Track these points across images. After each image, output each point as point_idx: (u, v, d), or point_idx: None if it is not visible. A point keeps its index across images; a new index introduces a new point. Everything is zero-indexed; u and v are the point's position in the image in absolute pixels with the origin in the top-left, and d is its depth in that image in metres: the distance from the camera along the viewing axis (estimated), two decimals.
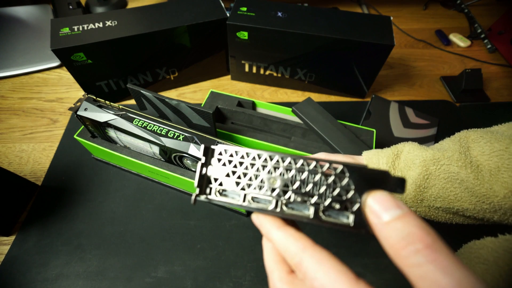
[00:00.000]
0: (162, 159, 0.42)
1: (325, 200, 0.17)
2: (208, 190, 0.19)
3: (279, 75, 0.62)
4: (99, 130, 0.43)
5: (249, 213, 0.45)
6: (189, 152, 0.37)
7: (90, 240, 0.42)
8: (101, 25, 0.50)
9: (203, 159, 0.19)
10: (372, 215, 0.14)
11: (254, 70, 0.62)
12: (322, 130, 0.44)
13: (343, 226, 0.16)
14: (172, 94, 0.63)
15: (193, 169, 0.41)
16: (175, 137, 0.38)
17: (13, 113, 0.57)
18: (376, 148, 0.46)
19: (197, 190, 0.19)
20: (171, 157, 0.41)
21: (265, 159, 0.19)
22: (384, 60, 0.53)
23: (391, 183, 0.16)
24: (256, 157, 0.19)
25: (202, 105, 0.47)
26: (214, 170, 0.19)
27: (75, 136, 0.44)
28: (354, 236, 0.43)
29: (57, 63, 0.65)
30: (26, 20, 0.71)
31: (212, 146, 0.20)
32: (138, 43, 0.51)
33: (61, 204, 0.45)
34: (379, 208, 0.14)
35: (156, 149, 0.40)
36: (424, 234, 0.13)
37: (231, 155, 0.19)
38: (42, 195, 0.46)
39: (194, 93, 0.63)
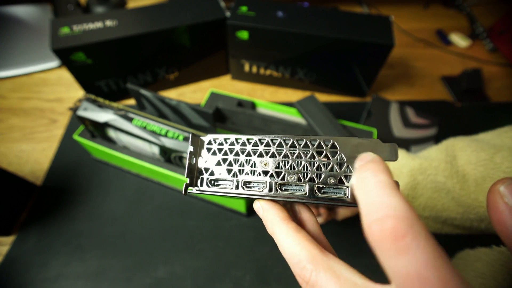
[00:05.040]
0: (162, 159, 0.42)
1: (319, 177, 0.17)
2: (199, 182, 0.19)
3: (280, 74, 0.62)
4: (98, 130, 0.43)
5: (249, 213, 0.45)
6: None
7: (90, 240, 0.42)
8: (101, 25, 0.50)
9: (191, 148, 0.19)
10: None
11: (254, 70, 0.62)
12: (320, 128, 0.44)
13: (339, 201, 0.16)
14: (172, 93, 0.63)
15: None
16: (174, 137, 0.38)
17: (13, 113, 0.57)
18: None
19: (188, 180, 0.18)
20: (170, 157, 0.41)
21: (255, 143, 0.18)
22: (385, 60, 0.53)
23: (385, 152, 0.16)
24: (246, 142, 0.18)
25: (202, 105, 0.47)
26: (205, 161, 0.19)
27: (74, 136, 0.44)
28: (355, 236, 0.43)
29: (57, 63, 0.64)
30: (26, 20, 0.70)
31: (201, 137, 0.19)
32: (138, 43, 0.51)
33: (61, 204, 0.45)
34: None
35: (155, 149, 0.40)
36: None
37: (221, 143, 0.19)
38: (42, 195, 0.46)
39: (194, 93, 0.63)
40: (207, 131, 0.44)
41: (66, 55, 0.48)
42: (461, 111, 0.62)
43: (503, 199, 0.13)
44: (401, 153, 0.34)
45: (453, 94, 0.64)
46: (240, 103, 0.50)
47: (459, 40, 0.76)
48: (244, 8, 0.55)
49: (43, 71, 0.65)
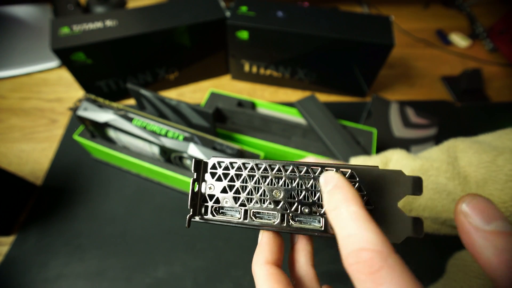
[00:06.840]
0: (162, 159, 0.42)
1: None
2: (203, 210, 0.18)
3: (280, 74, 0.62)
4: (98, 130, 0.43)
5: None
6: (189, 152, 0.37)
7: (90, 240, 0.42)
8: (101, 25, 0.50)
9: (194, 175, 0.17)
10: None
11: (254, 69, 0.62)
12: (320, 128, 0.44)
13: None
14: (172, 93, 0.63)
15: None
16: (174, 137, 0.38)
17: (13, 113, 0.57)
18: (376, 148, 0.46)
19: (191, 211, 0.17)
20: (170, 157, 0.41)
21: (265, 169, 0.17)
22: (385, 60, 0.53)
23: (407, 185, 0.15)
24: (255, 168, 0.17)
25: (202, 105, 0.47)
26: (209, 187, 0.18)
27: (74, 136, 0.44)
28: None
29: (57, 63, 0.64)
30: (26, 19, 0.70)
31: (205, 160, 0.18)
32: (138, 43, 0.51)
33: (61, 204, 0.45)
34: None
35: (155, 149, 0.40)
36: None
37: (227, 168, 0.18)
38: (42, 195, 0.46)
39: (194, 93, 0.63)
40: (207, 131, 0.44)
41: (66, 55, 0.48)
42: (461, 111, 0.61)
43: (468, 220, 0.13)
44: (402, 153, 0.34)
45: (453, 94, 0.64)
46: (240, 103, 0.50)
47: (459, 40, 0.76)
48: (244, 8, 0.55)
49: (43, 71, 0.64)
